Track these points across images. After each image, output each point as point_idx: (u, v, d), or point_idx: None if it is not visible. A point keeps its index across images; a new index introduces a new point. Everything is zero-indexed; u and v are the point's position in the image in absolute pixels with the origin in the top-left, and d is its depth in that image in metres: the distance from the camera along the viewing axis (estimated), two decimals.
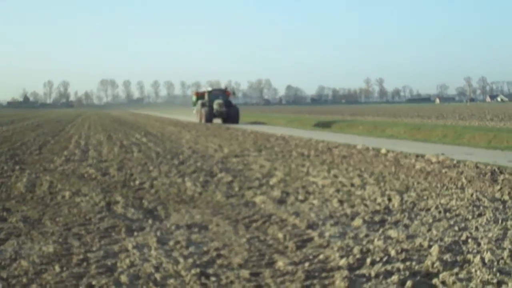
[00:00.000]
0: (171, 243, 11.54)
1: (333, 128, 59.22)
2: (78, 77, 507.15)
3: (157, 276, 9.39)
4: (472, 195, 16.49)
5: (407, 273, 9.36)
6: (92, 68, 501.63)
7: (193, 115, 75.96)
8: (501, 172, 20.94)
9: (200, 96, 74.79)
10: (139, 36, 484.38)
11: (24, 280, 9.24)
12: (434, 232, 12.18)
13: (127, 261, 10.27)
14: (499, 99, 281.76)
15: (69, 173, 22.52)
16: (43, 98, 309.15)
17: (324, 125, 63.97)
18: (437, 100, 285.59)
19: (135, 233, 12.37)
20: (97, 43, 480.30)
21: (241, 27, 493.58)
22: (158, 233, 12.31)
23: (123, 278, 9.24)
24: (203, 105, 70.65)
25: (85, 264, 10.14)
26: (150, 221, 13.51)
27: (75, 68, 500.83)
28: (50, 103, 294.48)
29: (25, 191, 17.95)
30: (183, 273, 9.50)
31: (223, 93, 72.98)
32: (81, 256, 10.60)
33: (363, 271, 9.56)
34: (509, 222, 12.95)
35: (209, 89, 74.77)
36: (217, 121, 67.29)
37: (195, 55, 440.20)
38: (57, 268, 9.83)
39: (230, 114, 68.62)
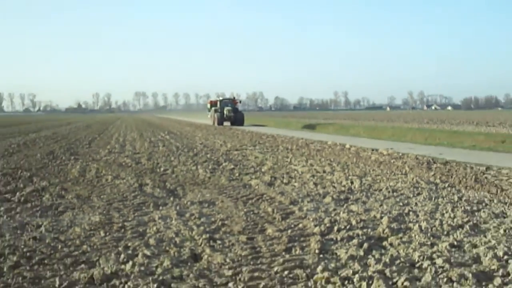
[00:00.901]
0: (187, 215, 11.58)
1: (311, 128, 59.37)
2: (118, 89, 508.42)
3: (177, 239, 9.44)
4: (413, 179, 16.58)
5: (364, 237, 9.45)
6: (128, 82, 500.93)
7: (208, 119, 75.21)
8: (434, 162, 21.27)
9: (213, 104, 73.52)
10: (164, 58, 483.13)
11: (77, 242, 9.30)
12: (385, 207, 12.27)
13: (154, 228, 10.34)
14: (433, 107, 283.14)
15: (111, 162, 22.53)
16: (91, 105, 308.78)
17: (306, 126, 63.95)
18: (388, 108, 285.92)
19: (160, 207, 12.42)
20: (131, 64, 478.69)
21: (242, 52, 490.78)
22: (177, 208, 12.37)
23: (151, 241, 9.30)
24: (216, 111, 69.59)
25: (122, 230, 10.21)
26: (171, 199, 13.54)
27: (116, 82, 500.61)
28: (97, 109, 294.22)
29: (78, 175, 17.96)
30: (196, 237, 9.55)
31: (232, 102, 71.96)
32: (120, 224, 10.66)
33: (332, 236, 9.62)
34: (439, 199, 13.12)
35: (221, 98, 73.61)
36: (227, 123, 66.59)
37: (207, 72, 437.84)
38: (101, 233, 9.91)
39: (237, 118, 67.84)
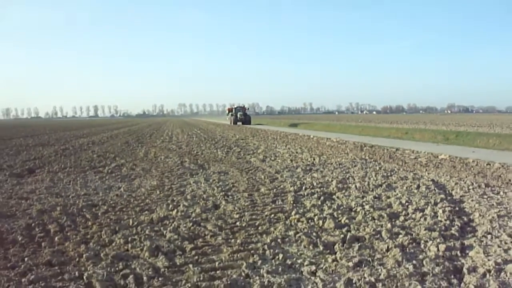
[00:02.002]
0: (211, 180, 11.51)
1: (288, 125, 59.46)
2: (168, 101, 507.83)
3: (204, 195, 9.42)
4: (351, 157, 16.54)
5: (321, 193, 9.40)
6: (174, 96, 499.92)
7: (226, 120, 74.56)
8: (364, 146, 21.21)
9: (230, 110, 72.84)
10: (196, 78, 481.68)
11: (143, 197, 9.27)
12: (334, 174, 12.23)
13: (190, 189, 10.29)
14: (364, 112, 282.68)
15: (163, 147, 22.43)
16: (151, 112, 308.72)
17: (288, 124, 63.94)
18: (337, 113, 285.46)
19: (194, 176, 12.36)
20: (177, 82, 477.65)
21: (245, 75, 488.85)
22: (204, 176, 12.30)
23: (188, 197, 9.26)
24: (232, 115, 69.18)
25: (170, 190, 10.14)
26: (201, 170, 13.47)
27: (167, 96, 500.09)
28: (155, 114, 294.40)
29: (143, 156, 17.91)
30: (216, 194, 9.52)
31: (243, 108, 70.63)
32: (169, 186, 10.60)
33: (301, 192, 9.58)
34: (368, 169, 13.04)
35: (235, 106, 72.30)
36: (239, 123, 65.69)
37: (223, 89, 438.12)
38: (157, 192, 9.87)
39: (246, 120, 66.79)
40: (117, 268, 5.16)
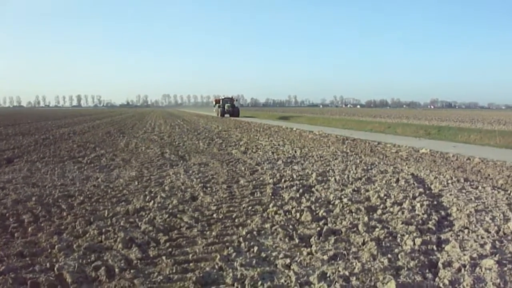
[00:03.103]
0: (190, 171, 11.42)
1: (273, 118, 59.36)
2: (152, 92, 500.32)
3: (182, 187, 9.32)
4: (333, 150, 16.55)
5: (300, 186, 9.37)
6: (158, 87, 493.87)
7: (213, 112, 69.73)
8: (346, 139, 21.30)
9: (217, 101, 67.28)
10: (182, 70, 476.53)
11: (120, 188, 9.17)
12: (314, 167, 12.20)
13: (169, 180, 10.19)
14: (348, 106, 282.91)
15: (145, 138, 22.22)
16: (135, 102, 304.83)
17: (269, 116, 63.80)
18: (321, 106, 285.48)
19: (174, 167, 12.24)
20: (160, 74, 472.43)
21: (232, 66, 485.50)
22: (184, 167, 12.18)
23: (166, 188, 9.16)
24: (219, 106, 64.31)
25: (149, 181, 10.05)
26: (181, 161, 13.36)
27: (151, 87, 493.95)
28: (139, 105, 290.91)
29: (123, 146, 17.72)
30: (195, 185, 9.44)
31: (231, 99, 65.37)
32: (147, 177, 10.50)
33: (280, 185, 9.54)
34: (348, 162, 13.05)
35: (222, 97, 66.43)
36: (227, 115, 61.69)
37: (208, 80, 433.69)
38: (136, 183, 9.76)
39: (234, 112, 62.13)
40: (89, 260, 5.06)
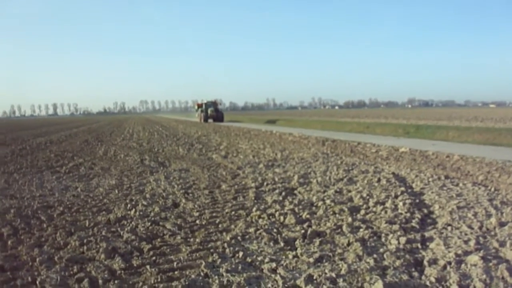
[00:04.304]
0: (171, 178, 11.35)
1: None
2: (129, 99, 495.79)
3: (164, 194, 9.25)
4: (313, 151, 16.60)
5: (283, 188, 9.36)
6: (136, 93, 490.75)
7: (195, 117, 67.18)
8: (326, 140, 21.40)
9: (200, 106, 63.46)
10: (159, 79, 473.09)
11: (100, 197, 9.05)
12: (296, 169, 12.21)
13: (150, 187, 10.10)
14: (327, 107, 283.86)
15: (123, 145, 22.03)
16: (113, 109, 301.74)
17: (250, 120, 63.79)
18: (299, 108, 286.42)
19: (154, 174, 12.15)
20: (138, 81, 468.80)
21: (210, 71, 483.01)
22: (165, 173, 12.10)
23: (147, 195, 9.09)
24: (202, 111, 60.44)
25: (129, 189, 9.95)
26: (161, 168, 13.26)
27: (128, 93, 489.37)
28: (116, 112, 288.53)
29: (102, 154, 17.54)
30: (176, 192, 9.37)
31: (214, 103, 62.17)
32: (128, 185, 10.39)
33: (263, 188, 9.52)
34: (329, 163, 13.11)
35: (205, 101, 62.35)
36: (210, 120, 59.12)
37: (185, 86, 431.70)
38: (116, 191, 9.64)
39: (218, 117, 59.35)
40: (71, 272, 4.95)
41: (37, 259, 5.34)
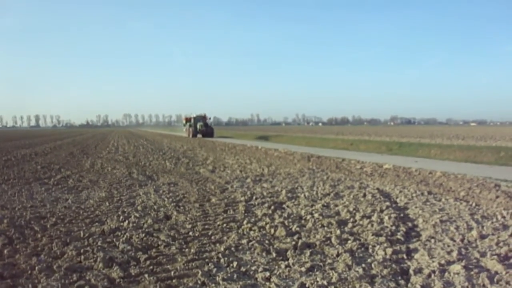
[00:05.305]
0: (161, 191, 11.51)
1: (233, 135, 59.54)
2: (112, 112, 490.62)
3: (155, 207, 9.41)
4: (299, 167, 16.90)
5: (272, 202, 9.59)
6: (119, 106, 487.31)
7: (183, 132, 64.76)
8: (311, 156, 21.70)
9: (188, 120, 60.36)
10: (143, 93, 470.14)
11: (92, 209, 9.19)
12: (283, 184, 12.48)
13: (140, 200, 10.25)
14: (310, 124, 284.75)
15: (109, 158, 22.08)
16: (96, 122, 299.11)
17: (232, 135, 63.86)
18: (283, 124, 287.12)
19: (143, 187, 12.29)
20: (121, 95, 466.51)
21: (192, 86, 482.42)
22: (154, 187, 12.25)
23: (139, 208, 9.24)
24: (190, 126, 57.96)
25: (120, 201, 10.08)
26: (150, 181, 13.41)
27: (112, 107, 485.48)
28: (99, 125, 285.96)
29: (89, 167, 17.60)
30: (167, 205, 9.55)
31: (203, 118, 58.59)
32: (118, 198, 10.53)
33: (252, 202, 9.75)
34: (315, 179, 13.43)
35: (194, 115, 59.47)
36: (199, 136, 56.22)
37: (169, 100, 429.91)
38: (107, 204, 9.78)
39: (208, 132, 56.10)
40: (71, 280, 5.11)
41: (36, 268, 5.48)
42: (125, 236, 6.99)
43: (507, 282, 4.75)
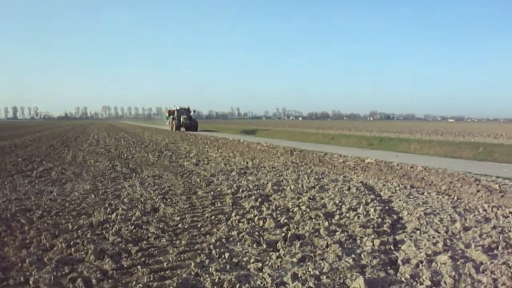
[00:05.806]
0: (146, 184, 11.50)
1: (217, 129, 59.38)
2: (91, 104, 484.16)
3: (142, 199, 9.42)
4: (283, 160, 17.03)
5: (258, 195, 9.68)
6: (98, 99, 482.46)
7: (166, 125, 63.47)
8: (294, 150, 21.93)
9: (171, 113, 58.97)
10: (122, 85, 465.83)
11: (78, 201, 9.15)
12: (268, 177, 12.57)
13: (126, 192, 10.23)
14: (291, 118, 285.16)
15: (91, 151, 21.89)
16: (74, 115, 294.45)
17: (216, 129, 63.66)
18: (264, 118, 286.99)
19: (128, 179, 12.27)
20: (100, 87, 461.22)
21: (174, 78, 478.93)
22: (139, 179, 12.22)
23: (126, 200, 9.24)
24: (173, 119, 56.77)
25: (105, 194, 10.06)
26: (134, 174, 13.37)
27: (90, 98, 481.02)
28: (78, 117, 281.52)
29: (71, 160, 17.44)
30: (154, 197, 9.56)
31: (187, 111, 57.39)
32: (103, 190, 10.50)
33: (238, 195, 9.81)
34: (300, 172, 13.57)
35: (177, 108, 57.95)
36: (183, 129, 54.98)
37: (149, 92, 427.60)
38: (92, 196, 9.74)
39: (191, 125, 54.77)
40: (63, 272, 5.12)
41: (27, 260, 5.46)
42: (114, 228, 6.99)
43: (492, 272, 4.92)
